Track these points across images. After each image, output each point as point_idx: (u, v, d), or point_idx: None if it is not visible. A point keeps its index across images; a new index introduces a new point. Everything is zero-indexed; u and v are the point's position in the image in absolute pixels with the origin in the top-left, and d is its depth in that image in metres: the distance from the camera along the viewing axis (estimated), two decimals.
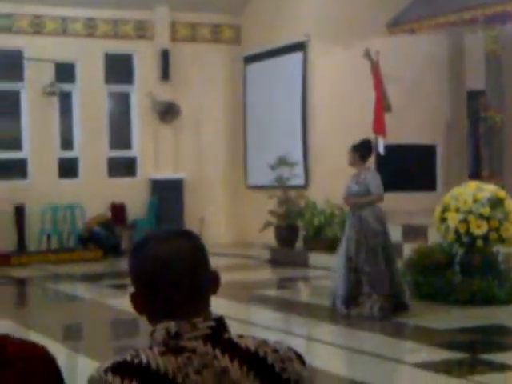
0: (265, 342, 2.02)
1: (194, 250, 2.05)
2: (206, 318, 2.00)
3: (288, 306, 11.02)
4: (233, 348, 1.98)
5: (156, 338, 1.98)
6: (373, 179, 9.66)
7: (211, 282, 2.07)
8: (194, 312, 2.00)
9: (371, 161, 13.13)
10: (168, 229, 2.11)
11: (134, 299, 2.05)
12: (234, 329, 2.11)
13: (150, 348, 1.96)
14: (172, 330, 1.97)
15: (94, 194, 16.77)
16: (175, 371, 1.92)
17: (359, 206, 9.64)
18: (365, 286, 9.52)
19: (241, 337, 2.02)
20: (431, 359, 7.80)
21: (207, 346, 1.96)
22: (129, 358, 1.93)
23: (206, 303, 2.04)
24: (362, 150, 9.76)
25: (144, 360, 1.93)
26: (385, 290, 9.47)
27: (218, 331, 1.99)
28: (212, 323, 1.99)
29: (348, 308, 9.60)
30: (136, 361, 1.92)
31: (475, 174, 16.10)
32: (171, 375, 1.92)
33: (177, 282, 2.00)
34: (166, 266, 2.00)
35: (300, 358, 2.05)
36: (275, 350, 2.00)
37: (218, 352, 1.96)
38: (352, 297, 9.60)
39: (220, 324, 2.01)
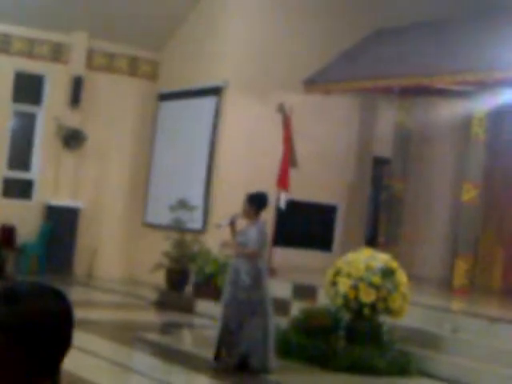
0: None
1: (70, 313, 1.88)
2: None
3: (169, 354, 10.75)
4: None
5: None
6: (254, 233, 9.55)
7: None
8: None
9: (270, 215, 13.11)
10: (42, 285, 1.88)
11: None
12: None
13: None
14: None
15: None
16: None
17: (236, 257, 9.56)
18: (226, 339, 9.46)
19: None
20: None
21: None
22: None
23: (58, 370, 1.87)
24: (257, 203, 9.68)
25: None
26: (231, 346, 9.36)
27: None
28: None
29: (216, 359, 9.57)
30: None
31: (372, 240, 16.23)
32: None
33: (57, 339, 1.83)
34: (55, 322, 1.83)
35: None
36: None
37: None
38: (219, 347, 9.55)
39: None
